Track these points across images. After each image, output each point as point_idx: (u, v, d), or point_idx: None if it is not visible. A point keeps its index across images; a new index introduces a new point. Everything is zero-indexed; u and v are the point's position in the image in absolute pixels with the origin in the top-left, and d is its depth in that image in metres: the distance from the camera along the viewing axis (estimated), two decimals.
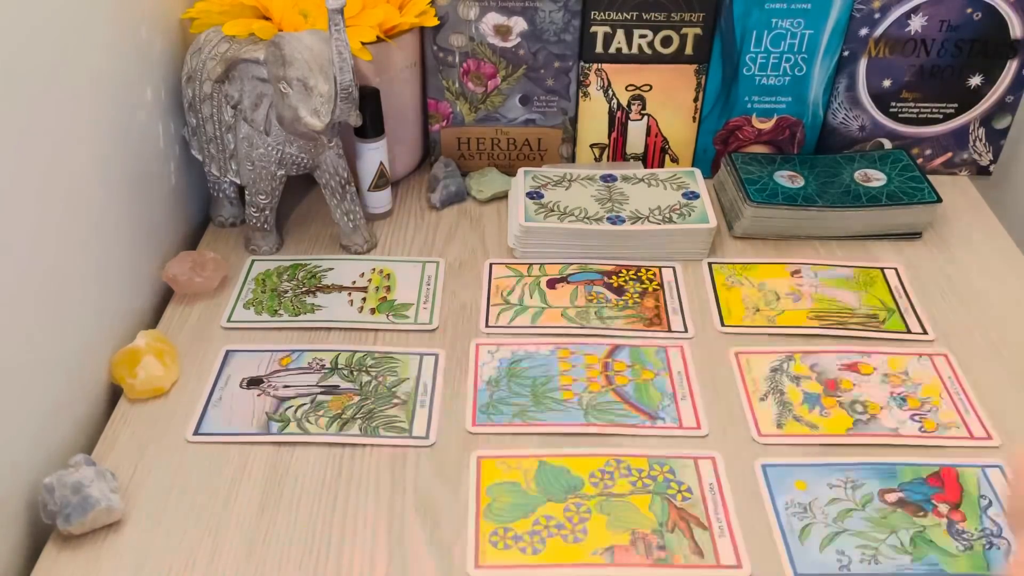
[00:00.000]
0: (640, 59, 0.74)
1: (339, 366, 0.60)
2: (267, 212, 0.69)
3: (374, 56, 0.68)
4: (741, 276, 0.69)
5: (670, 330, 0.64)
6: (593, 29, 0.73)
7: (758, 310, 0.66)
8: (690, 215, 0.70)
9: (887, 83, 0.76)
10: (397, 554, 0.49)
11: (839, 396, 0.59)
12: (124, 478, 0.52)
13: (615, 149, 0.79)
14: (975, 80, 0.75)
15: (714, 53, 0.74)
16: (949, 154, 0.80)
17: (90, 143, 0.57)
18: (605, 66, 0.74)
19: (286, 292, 0.67)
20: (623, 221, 0.69)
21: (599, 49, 0.74)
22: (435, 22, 0.72)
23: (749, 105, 0.77)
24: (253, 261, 0.70)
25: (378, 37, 0.68)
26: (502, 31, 0.73)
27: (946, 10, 0.72)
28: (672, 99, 0.76)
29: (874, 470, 0.53)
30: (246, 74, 0.63)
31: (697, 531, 0.50)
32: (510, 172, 0.80)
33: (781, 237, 0.73)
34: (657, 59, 0.74)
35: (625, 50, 0.73)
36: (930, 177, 0.77)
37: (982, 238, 0.73)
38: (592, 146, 0.79)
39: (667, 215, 0.70)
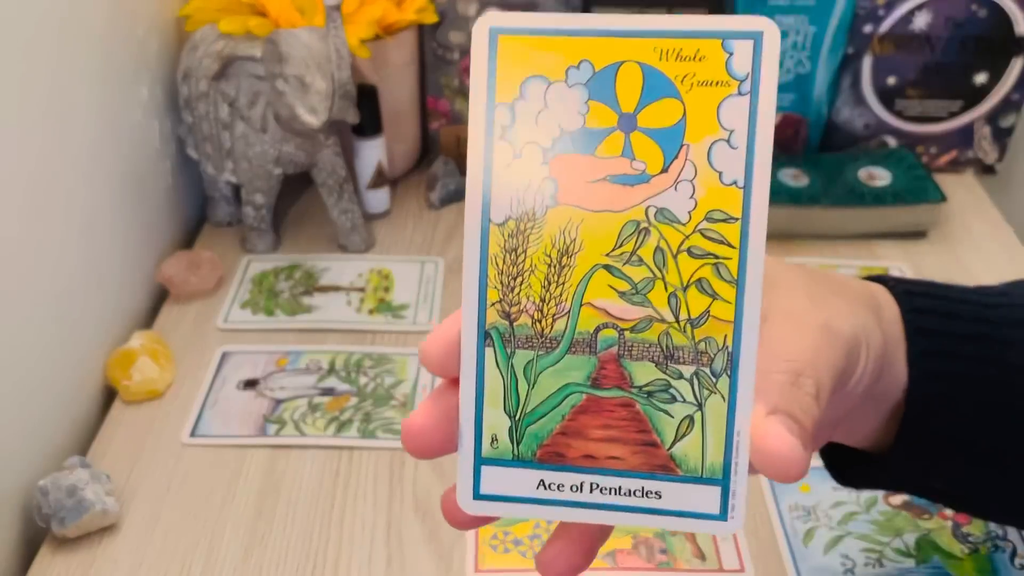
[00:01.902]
0: None
1: (336, 368, 0.60)
2: (264, 211, 0.68)
3: (372, 53, 0.68)
4: None
5: None
6: None
7: None
8: None
9: (892, 80, 0.75)
10: (396, 557, 0.48)
11: None
12: (119, 480, 0.52)
13: None
14: (980, 77, 0.75)
15: None
16: (954, 152, 0.79)
17: (85, 142, 0.57)
18: None
19: (283, 292, 0.66)
20: None
21: None
22: (435, 19, 0.71)
23: None
24: (250, 261, 0.69)
25: (376, 34, 0.68)
26: None
27: (951, 7, 0.71)
28: None
29: None
30: (242, 72, 0.62)
31: (699, 534, 0.49)
32: None
33: (785, 236, 0.72)
34: None
35: None
36: (935, 175, 0.77)
37: (987, 237, 0.73)
38: None
39: None
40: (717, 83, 0.24)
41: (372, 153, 0.71)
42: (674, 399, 0.25)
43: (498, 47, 0.24)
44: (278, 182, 0.67)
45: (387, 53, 0.70)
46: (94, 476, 0.49)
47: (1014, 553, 0.48)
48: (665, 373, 0.25)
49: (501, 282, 0.25)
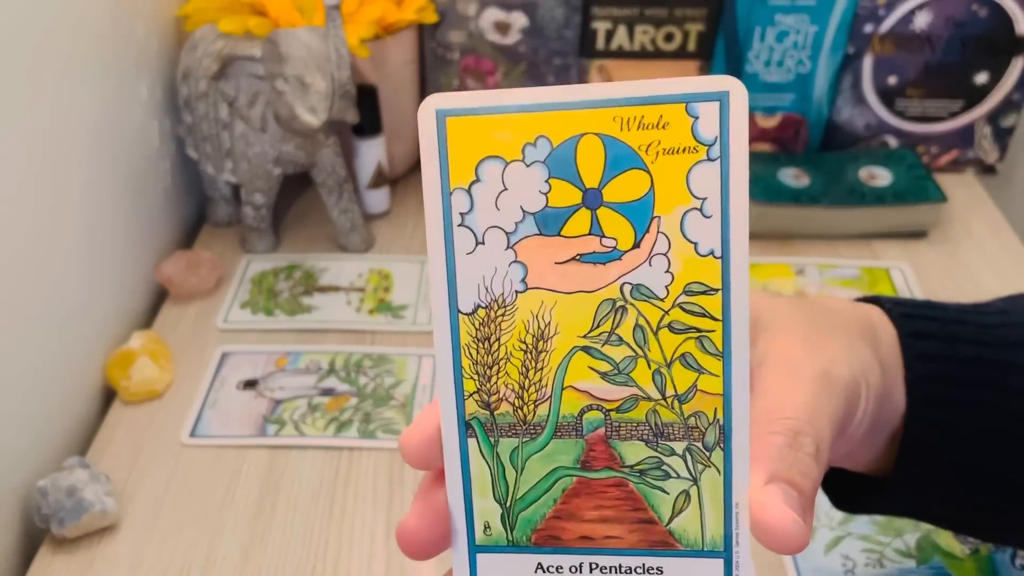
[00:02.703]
0: (642, 55, 0.73)
1: (336, 368, 0.59)
2: (263, 211, 0.68)
3: (372, 53, 0.68)
4: None
5: None
6: (594, 25, 0.72)
7: None
8: None
9: (892, 80, 0.75)
10: (395, 558, 0.48)
11: None
12: (119, 481, 0.52)
13: None
14: (981, 77, 0.75)
15: (717, 50, 0.73)
16: (955, 152, 0.79)
17: (84, 142, 0.57)
18: (607, 62, 0.74)
19: (283, 292, 0.66)
20: None
21: (600, 45, 0.73)
22: (435, 18, 0.71)
23: (753, 103, 0.76)
24: (249, 261, 0.69)
25: (376, 34, 0.68)
26: (502, 27, 0.73)
27: (951, 6, 0.71)
28: None
29: None
30: (242, 71, 0.62)
31: None
32: None
33: (785, 236, 0.72)
34: (659, 55, 0.73)
35: (627, 46, 0.73)
36: (936, 175, 0.76)
37: (988, 237, 0.72)
38: None
39: None
40: (684, 150, 0.22)
41: (372, 153, 0.70)
42: (668, 475, 0.24)
43: (447, 130, 0.23)
44: (278, 182, 0.67)
45: (387, 53, 0.70)
46: (93, 476, 0.49)
47: (1015, 554, 0.48)
48: (656, 451, 0.24)
49: (477, 372, 0.24)
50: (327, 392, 0.58)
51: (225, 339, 0.62)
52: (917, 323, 0.31)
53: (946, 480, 0.32)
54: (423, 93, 0.77)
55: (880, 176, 0.73)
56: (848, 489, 0.34)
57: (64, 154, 0.54)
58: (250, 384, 0.58)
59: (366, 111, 0.67)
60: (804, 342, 0.27)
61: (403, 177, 0.79)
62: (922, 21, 0.72)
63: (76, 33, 0.55)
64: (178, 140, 0.71)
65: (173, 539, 0.49)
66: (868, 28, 0.72)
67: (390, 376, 0.59)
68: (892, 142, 0.78)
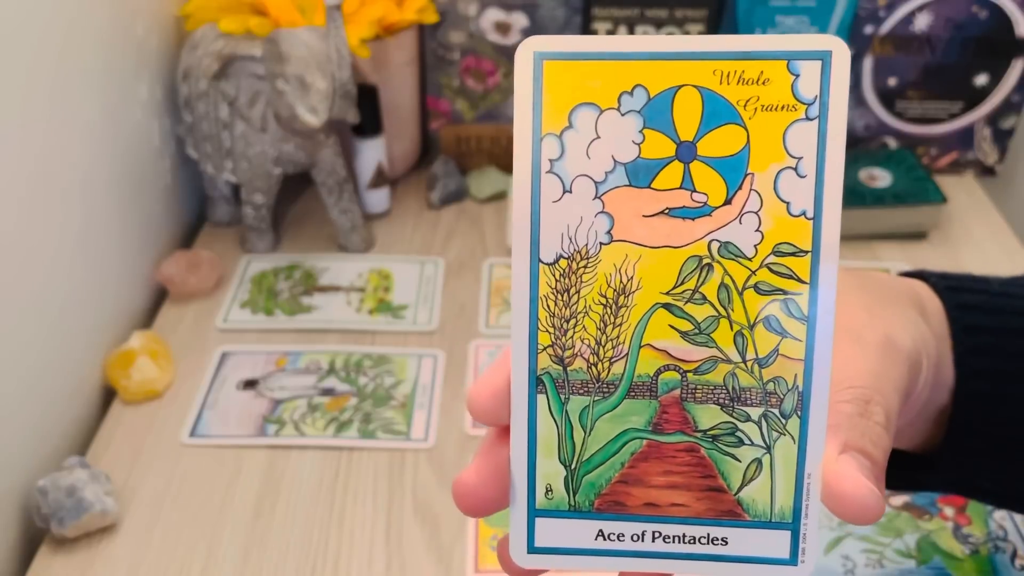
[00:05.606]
0: None
1: (336, 368, 0.59)
2: (263, 211, 0.68)
3: (372, 53, 0.68)
4: None
5: None
6: (595, 26, 0.72)
7: None
8: None
9: (892, 82, 0.75)
10: (395, 558, 0.48)
11: None
12: (119, 481, 0.52)
13: None
14: (981, 79, 0.75)
15: None
16: (955, 154, 0.79)
17: (84, 141, 0.57)
18: None
19: (283, 292, 0.66)
20: None
21: None
22: (436, 18, 0.71)
23: None
24: (249, 261, 0.69)
25: (377, 34, 0.68)
26: (502, 28, 0.73)
27: (951, 8, 0.71)
28: None
29: None
30: (242, 71, 0.62)
31: None
32: (510, 170, 0.79)
33: None
34: None
35: None
36: (936, 177, 0.77)
37: (988, 238, 0.73)
38: None
39: None
40: (783, 107, 0.22)
41: (372, 153, 0.70)
42: (741, 442, 0.24)
43: (544, 74, 0.23)
44: (278, 182, 0.67)
45: (387, 53, 0.70)
46: (93, 476, 0.49)
47: (1015, 554, 0.48)
48: (731, 416, 0.24)
49: (553, 325, 0.23)
50: (327, 392, 0.58)
51: (225, 339, 0.62)
52: (962, 296, 0.31)
53: (995, 452, 0.31)
54: (423, 93, 0.77)
55: (880, 177, 0.73)
56: (893, 467, 0.34)
57: (63, 153, 0.54)
58: (250, 384, 0.58)
59: (366, 111, 0.67)
60: (864, 310, 0.27)
61: (403, 177, 0.79)
62: (922, 23, 0.72)
63: (76, 32, 0.55)
64: (178, 140, 0.71)
65: (173, 539, 0.49)
66: (868, 29, 0.72)
67: (390, 376, 0.59)
68: (892, 143, 0.79)
